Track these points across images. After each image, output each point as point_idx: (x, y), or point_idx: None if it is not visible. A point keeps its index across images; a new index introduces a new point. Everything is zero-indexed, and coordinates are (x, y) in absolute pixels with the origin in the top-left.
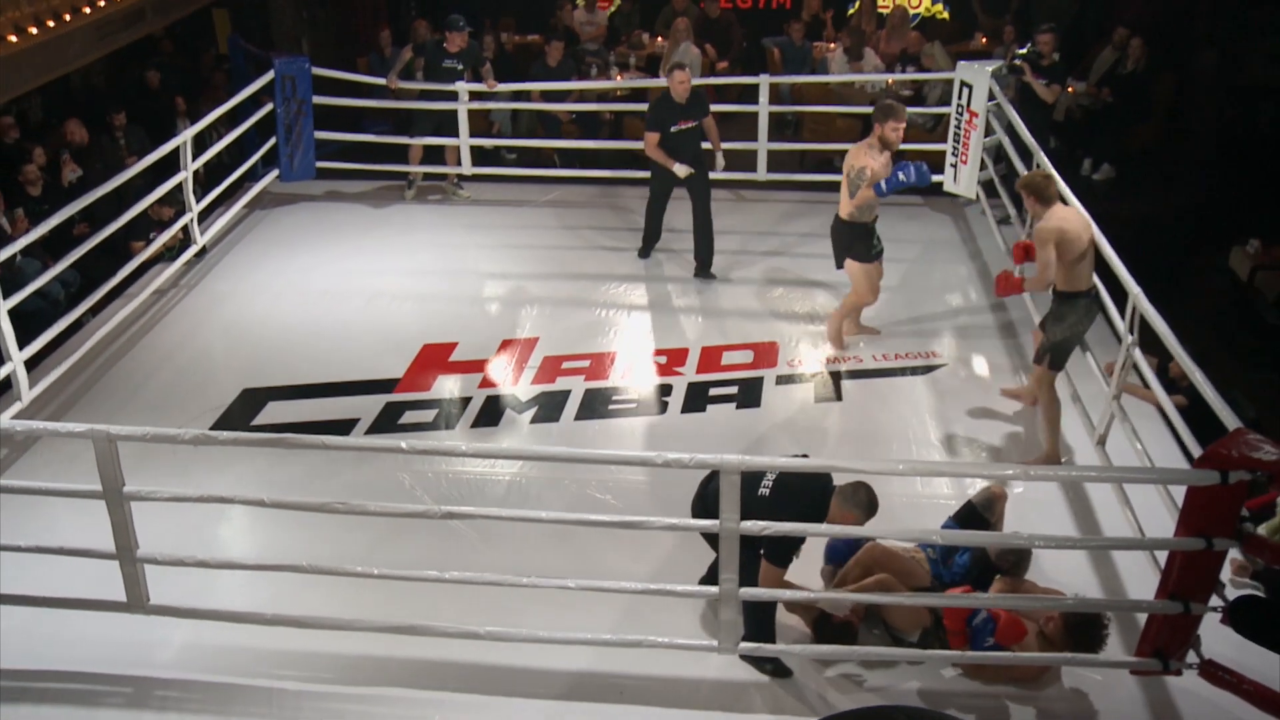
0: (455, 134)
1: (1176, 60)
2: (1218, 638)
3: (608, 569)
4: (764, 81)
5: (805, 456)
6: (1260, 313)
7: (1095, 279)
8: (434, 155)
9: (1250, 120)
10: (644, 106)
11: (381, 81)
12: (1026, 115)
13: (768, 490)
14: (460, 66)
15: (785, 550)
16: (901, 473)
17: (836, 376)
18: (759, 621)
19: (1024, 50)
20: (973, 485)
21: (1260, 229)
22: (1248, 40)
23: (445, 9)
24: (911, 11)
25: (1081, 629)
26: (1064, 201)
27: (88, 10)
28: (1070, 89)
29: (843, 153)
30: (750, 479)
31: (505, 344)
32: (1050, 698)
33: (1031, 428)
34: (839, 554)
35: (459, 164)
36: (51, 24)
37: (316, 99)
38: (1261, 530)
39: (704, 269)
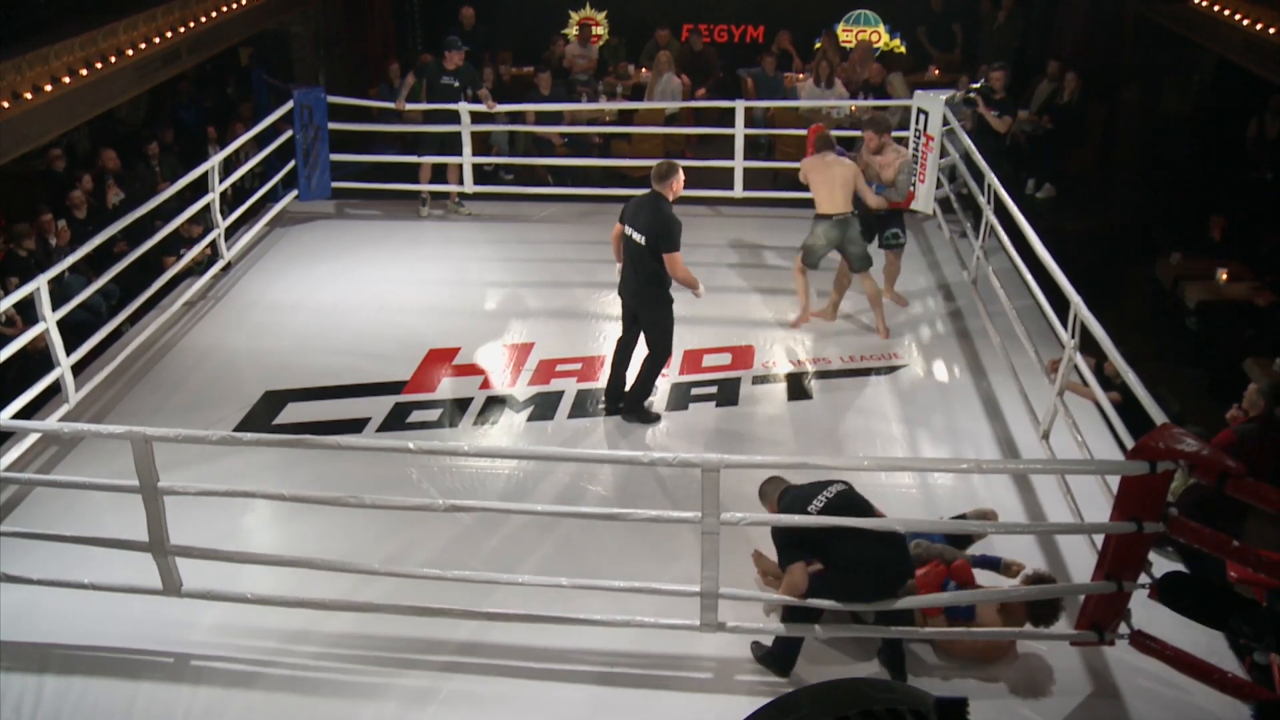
0: (458, 154)
1: (1106, 92)
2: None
3: (596, 552)
4: (740, 106)
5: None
6: (1182, 318)
7: (845, 208)
8: (439, 174)
9: (1169, 146)
10: (630, 129)
11: (390, 106)
12: (980, 143)
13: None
14: (457, 84)
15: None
16: (866, 468)
17: (807, 377)
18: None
19: (978, 85)
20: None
21: (1182, 243)
22: (1161, 76)
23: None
24: (873, 46)
25: (1043, 604)
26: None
27: (130, 52)
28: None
29: None
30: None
31: (504, 348)
32: (1004, 666)
33: (982, 418)
34: None
35: (461, 183)
36: (99, 65)
37: (331, 125)
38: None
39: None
